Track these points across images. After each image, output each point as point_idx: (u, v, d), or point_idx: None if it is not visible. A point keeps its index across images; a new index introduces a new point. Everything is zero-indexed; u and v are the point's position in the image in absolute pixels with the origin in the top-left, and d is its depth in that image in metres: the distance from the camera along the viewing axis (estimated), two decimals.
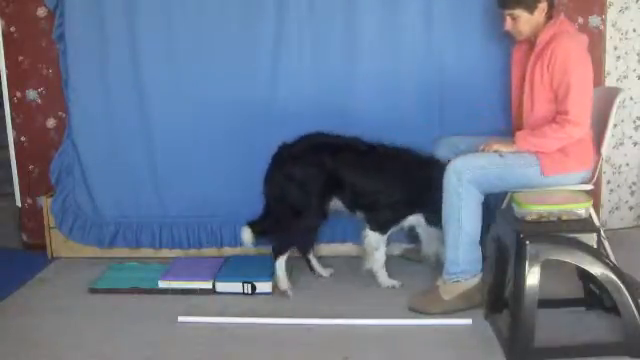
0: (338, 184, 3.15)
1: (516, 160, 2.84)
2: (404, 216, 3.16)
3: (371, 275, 3.20)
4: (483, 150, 2.91)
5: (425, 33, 3.44)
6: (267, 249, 3.55)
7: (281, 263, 3.16)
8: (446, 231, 2.86)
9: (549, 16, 2.90)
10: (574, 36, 2.87)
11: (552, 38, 2.83)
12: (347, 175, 3.14)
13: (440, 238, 3.03)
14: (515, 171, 2.83)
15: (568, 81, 2.76)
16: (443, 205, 2.85)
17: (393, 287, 3.15)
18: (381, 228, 3.16)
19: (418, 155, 3.18)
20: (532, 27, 2.90)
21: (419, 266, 3.36)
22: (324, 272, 3.36)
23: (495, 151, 2.87)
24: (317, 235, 3.41)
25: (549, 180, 2.83)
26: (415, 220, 3.18)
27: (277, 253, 3.17)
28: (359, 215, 3.22)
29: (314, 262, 3.38)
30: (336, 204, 3.22)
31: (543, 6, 2.87)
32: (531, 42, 2.95)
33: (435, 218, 3.02)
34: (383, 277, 3.18)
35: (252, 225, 3.23)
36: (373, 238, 3.15)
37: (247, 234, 3.22)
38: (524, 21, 2.89)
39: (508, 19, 2.93)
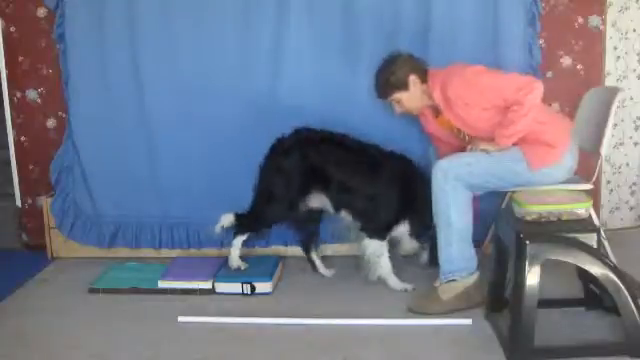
0: (322, 180, 3.15)
1: (501, 156, 2.85)
2: (397, 221, 3.15)
3: (382, 282, 3.18)
4: (470, 149, 2.92)
5: (424, 33, 3.44)
6: (266, 250, 3.58)
7: (238, 242, 3.26)
8: (438, 230, 2.86)
9: (425, 80, 2.96)
10: (451, 75, 2.90)
11: (442, 92, 2.89)
12: (335, 172, 3.15)
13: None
14: (501, 166, 2.83)
15: (490, 90, 2.82)
16: (433, 204, 2.86)
17: (405, 290, 3.12)
18: (379, 234, 3.14)
19: (408, 160, 3.19)
20: (418, 100, 2.99)
21: (419, 267, 3.36)
22: (327, 272, 3.36)
23: (482, 150, 2.88)
24: (317, 233, 3.41)
25: (537, 175, 2.83)
26: (402, 228, 3.18)
27: (237, 232, 3.25)
28: (343, 215, 3.22)
29: (317, 262, 3.38)
30: (321, 201, 3.22)
31: (413, 79, 2.95)
32: (432, 107, 3.02)
33: (417, 228, 3.13)
34: (394, 282, 3.16)
35: (237, 216, 3.27)
36: (373, 246, 3.14)
37: (227, 220, 3.26)
38: (407, 99, 2.99)
39: (395, 105, 3.02)
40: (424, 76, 2.98)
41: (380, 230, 3.15)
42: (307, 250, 3.39)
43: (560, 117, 2.98)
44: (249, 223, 3.27)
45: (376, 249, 3.14)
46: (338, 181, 3.15)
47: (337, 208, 3.21)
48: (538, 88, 2.80)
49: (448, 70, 2.94)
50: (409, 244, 3.23)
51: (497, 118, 2.85)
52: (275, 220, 3.29)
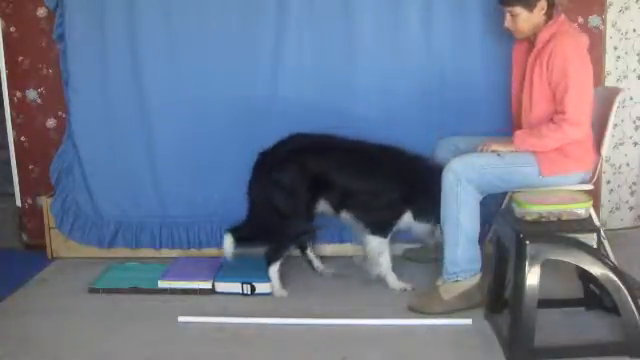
0: (325, 185, 3.12)
1: (514, 160, 2.84)
2: (400, 215, 3.14)
3: (381, 280, 3.18)
4: (481, 150, 2.92)
5: (425, 33, 3.45)
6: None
7: (274, 270, 3.15)
8: (445, 231, 2.86)
9: (549, 16, 2.90)
10: (574, 36, 2.87)
11: (551, 37, 2.83)
12: (335, 176, 3.11)
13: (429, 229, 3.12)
14: (514, 171, 2.83)
15: (566, 81, 2.76)
16: (442, 205, 2.85)
17: (404, 290, 3.12)
18: (382, 231, 3.14)
19: (400, 149, 3.17)
20: (531, 26, 2.91)
21: (419, 266, 3.36)
22: (322, 267, 3.35)
23: (493, 151, 2.88)
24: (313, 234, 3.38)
25: (548, 180, 2.83)
26: (406, 218, 3.16)
27: (270, 260, 3.15)
28: (344, 216, 3.20)
29: (314, 260, 3.37)
30: (322, 206, 3.19)
31: (542, 4, 2.87)
32: (531, 41, 2.96)
33: (423, 213, 3.09)
34: (393, 280, 3.16)
35: (234, 231, 3.19)
36: (375, 243, 3.13)
37: (229, 242, 3.16)
38: (523, 19, 2.89)
39: (508, 16, 2.94)
40: (551, 11, 2.90)
41: (382, 227, 3.14)
42: (303, 249, 3.38)
43: (590, 137, 2.93)
44: (277, 249, 3.17)
45: (377, 246, 3.13)
46: (337, 184, 3.12)
47: (338, 210, 3.20)
48: (579, 133, 2.79)
49: (571, 29, 2.91)
50: (419, 229, 3.20)
51: (545, 112, 2.84)
52: (300, 236, 3.25)
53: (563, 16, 2.95)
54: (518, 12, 2.89)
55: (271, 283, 3.14)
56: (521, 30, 2.94)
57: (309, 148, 3.14)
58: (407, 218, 3.16)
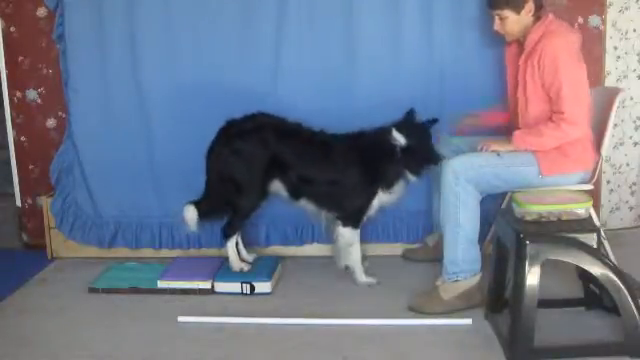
0: (282, 167, 3.15)
1: (514, 160, 2.84)
2: (371, 199, 3.14)
3: (348, 274, 3.20)
4: (481, 150, 2.92)
5: (424, 33, 3.45)
6: (265, 250, 3.58)
7: (232, 244, 3.24)
8: (445, 231, 2.86)
9: (537, 17, 2.91)
10: (563, 35, 2.86)
11: (540, 38, 2.84)
12: (294, 160, 3.15)
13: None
14: (513, 171, 2.83)
15: (559, 81, 2.77)
16: (441, 205, 2.86)
17: (370, 285, 3.15)
18: (354, 221, 3.16)
19: (361, 134, 3.17)
20: (520, 28, 2.92)
21: (419, 266, 3.36)
22: (249, 257, 3.38)
23: (493, 151, 2.88)
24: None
25: (548, 180, 2.83)
26: (377, 201, 3.16)
27: (227, 235, 3.24)
28: (303, 204, 3.22)
29: (241, 249, 3.38)
30: (277, 189, 3.22)
31: (530, 7, 2.88)
32: (521, 42, 2.97)
33: (390, 186, 3.12)
34: (360, 274, 3.18)
35: (197, 204, 3.22)
36: (348, 234, 3.16)
37: (191, 213, 3.20)
38: (512, 22, 2.91)
39: (497, 19, 2.96)
40: (538, 12, 2.91)
41: (354, 217, 3.16)
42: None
43: (589, 137, 2.94)
44: (233, 224, 3.25)
45: (350, 237, 3.16)
46: (297, 169, 3.15)
47: (296, 196, 3.21)
48: (578, 132, 2.79)
49: (560, 27, 2.89)
50: (392, 196, 3.19)
51: (541, 111, 2.85)
52: (252, 210, 3.27)
53: (551, 16, 2.95)
54: (506, 15, 2.91)
55: (229, 257, 3.24)
56: (510, 32, 2.96)
57: (276, 128, 3.18)
58: (378, 200, 3.16)
